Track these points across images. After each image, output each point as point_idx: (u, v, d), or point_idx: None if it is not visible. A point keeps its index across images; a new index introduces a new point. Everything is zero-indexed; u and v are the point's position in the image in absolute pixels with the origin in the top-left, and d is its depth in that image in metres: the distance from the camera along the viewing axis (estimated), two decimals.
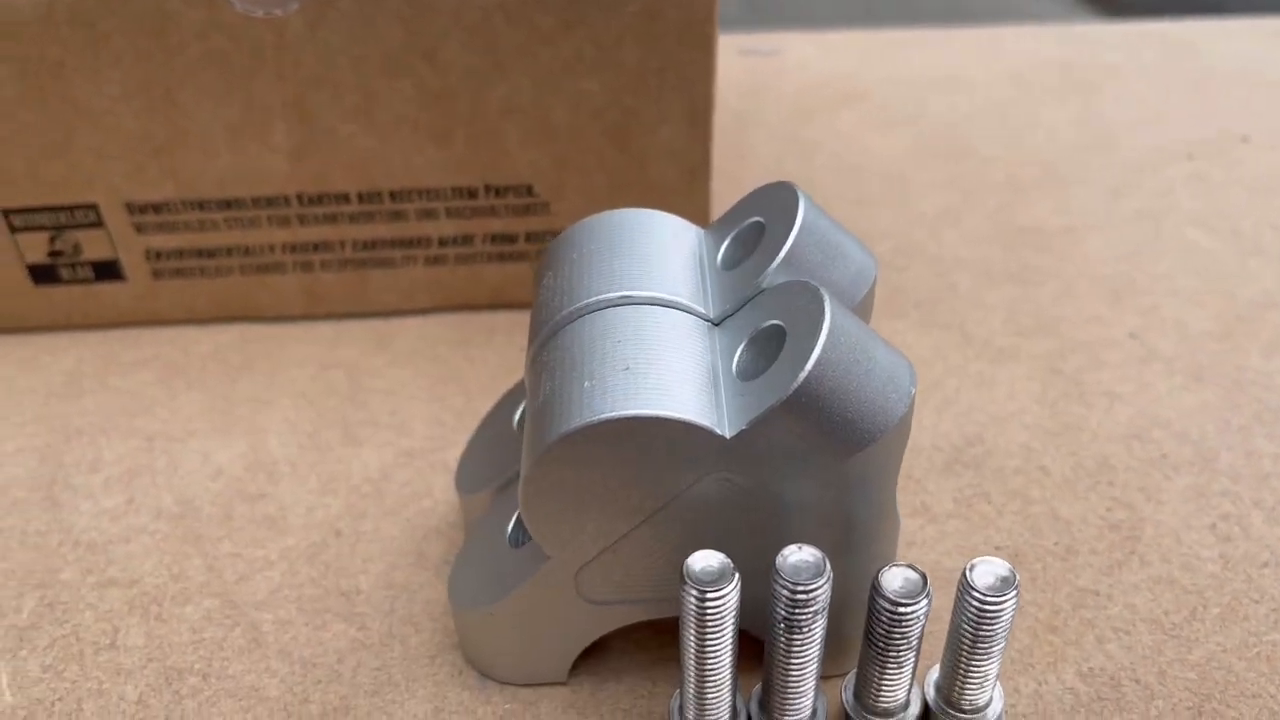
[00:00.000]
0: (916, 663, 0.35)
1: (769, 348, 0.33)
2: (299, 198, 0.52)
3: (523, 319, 0.56)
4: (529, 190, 0.52)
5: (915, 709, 0.36)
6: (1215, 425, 0.49)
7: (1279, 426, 0.49)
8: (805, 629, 0.32)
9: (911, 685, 0.36)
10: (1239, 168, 0.68)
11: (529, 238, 0.54)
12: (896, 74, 0.80)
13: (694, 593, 0.31)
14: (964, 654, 0.34)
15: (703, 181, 0.52)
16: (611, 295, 0.35)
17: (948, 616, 0.40)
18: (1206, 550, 0.43)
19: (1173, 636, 0.40)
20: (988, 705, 0.36)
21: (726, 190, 0.56)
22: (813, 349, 0.31)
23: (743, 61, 0.81)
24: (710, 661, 0.33)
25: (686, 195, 0.52)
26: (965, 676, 0.35)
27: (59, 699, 0.39)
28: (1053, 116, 0.74)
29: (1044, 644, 0.40)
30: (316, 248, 0.53)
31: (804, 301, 0.33)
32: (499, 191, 0.52)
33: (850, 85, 0.78)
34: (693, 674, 0.34)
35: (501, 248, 0.54)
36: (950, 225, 0.63)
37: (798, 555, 0.32)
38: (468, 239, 0.54)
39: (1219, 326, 0.55)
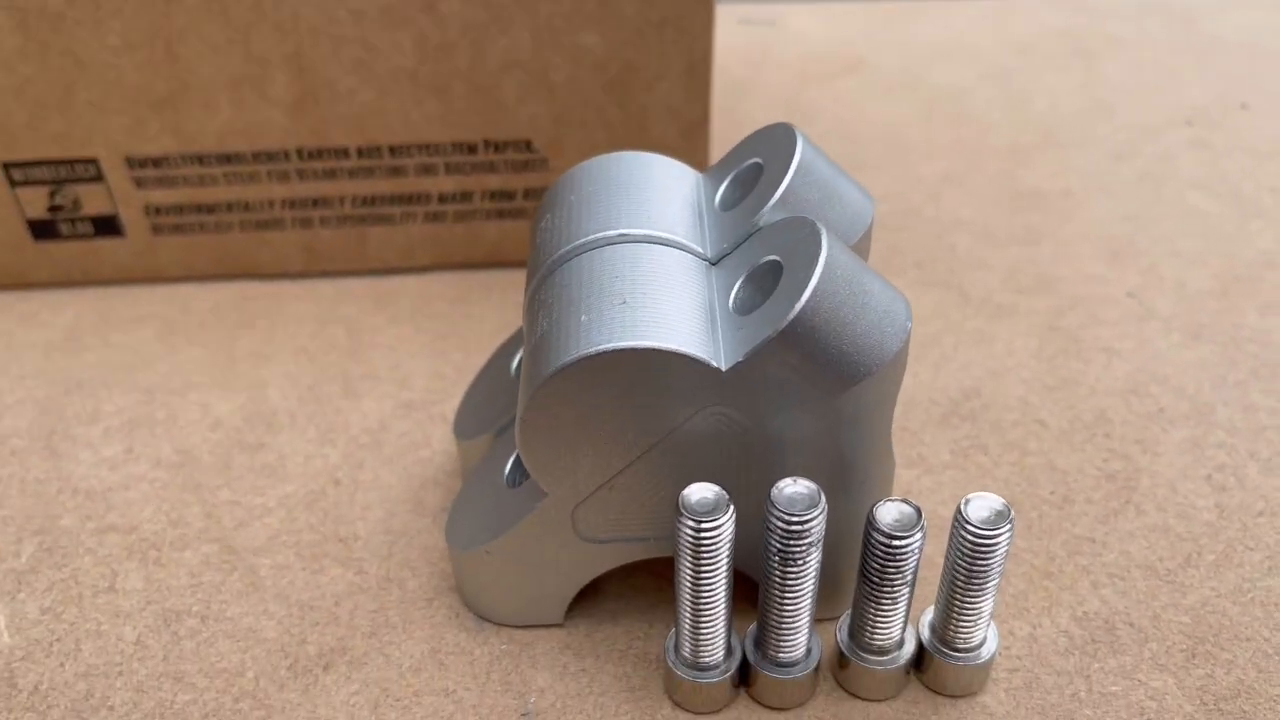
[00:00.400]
0: (911, 599, 0.35)
1: (766, 283, 0.33)
2: (298, 152, 0.52)
3: (521, 277, 0.56)
4: (528, 146, 0.52)
5: (910, 647, 0.36)
6: (1212, 380, 0.49)
7: (1276, 381, 0.49)
8: (800, 562, 0.33)
9: (906, 624, 0.36)
10: (1239, 134, 0.68)
11: (527, 194, 0.54)
12: (897, 44, 0.80)
13: (689, 523, 0.32)
14: (959, 590, 0.34)
15: (701, 138, 0.52)
16: (609, 234, 0.35)
17: (941, 561, 0.41)
18: (1202, 500, 0.43)
19: (1167, 582, 0.40)
20: (982, 644, 0.36)
21: (718, 156, 0.56)
22: (809, 281, 0.31)
23: (742, 31, 0.81)
24: (705, 595, 0.33)
25: (685, 152, 0.52)
26: (960, 614, 0.35)
27: (57, 639, 0.39)
28: (1054, 84, 0.74)
29: (1039, 589, 0.40)
30: (316, 203, 0.54)
31: (801, 236, 0.33)
32: (498, 147, 0.52)
33: (851, 54, 0.78)
34: (688, 609, 0.34)
35: (500, 204, 0.54)
36: (950, 188, 0.63)
37: (792, 487, 0.32)
38: (466, 195, 0.54)
39: (1218, 285, 0.55)
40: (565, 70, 0.50)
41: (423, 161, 0.52)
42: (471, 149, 0.52)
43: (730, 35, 0.79)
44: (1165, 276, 0.56)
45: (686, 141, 0.52)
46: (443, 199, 0.54)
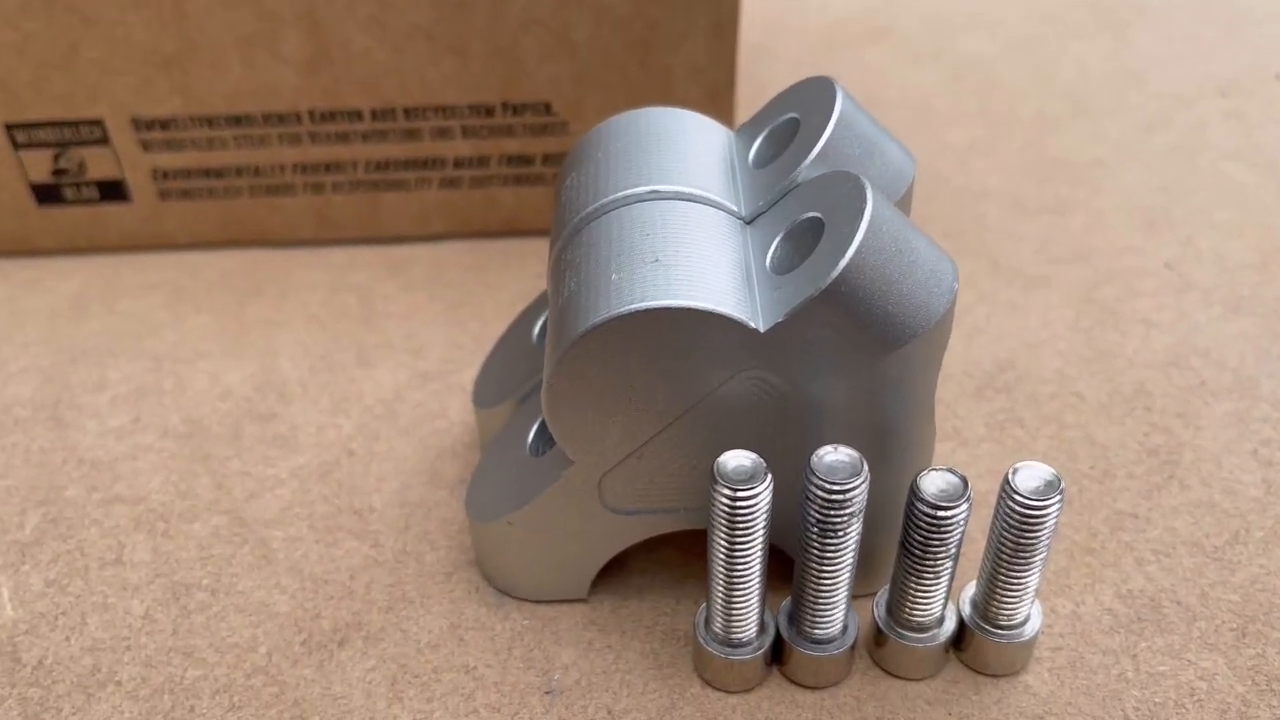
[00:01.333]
0: (954, 574, 0.33)
1: (805, 241, 0.31)
2: (310, 114, 0.50)
3: (538, 245, 0.55)
4: (547, 108, 0.51)
5: (950, 625, 0.35)
6: (1255, 353, 0.47)
7: None
8: (840, 533, 0.31)
9: (947, 600, 0.34)
10: (1274, 105, 0.66)
11: (545, 159, 0.52)
12: (923, 11, 0.78)
13: (725, 492, 0.30)
14: (1004, 564, 0.33)
15: (727, 101, 0.51)
16: (639, 190, 0.34)
17: (979, 539, 0.39)
18: (1248, 475, 0.42)
19: (1214, 559, 0.39)
20: (1025, 622, 0.35)
21: (741, 122, 0.54)
22: (853, 237, 0.29)
23: None
24: (739, 568, 0.32)
25: (710, 115, 0.50)
26: (1004, 589, 0.33)
27: (63, 613, 0.38)
28: (1083, 52, 0.72)
29: (1081, 566, 0.39)
30: (328, 168, 0.52)
31: (844, 191, 0.31)
32: (516, 110, 0.50)
33: (875, 21, 0.76)
34: (721, 582, 0.32)
35: (518, 170, 0.52)
36: (978, 157, 0.61)
37: (833, 455, 0.31)
38: (483, 160, 0.52)
39: (1257, 258, 0.53)
40: (587, 28, 0.48)
41: (438, 125, 0.51)
42: (489, 111, 0.50)
43: (752, 1, 0.77)
44: (1203, 248, 0.54)
45: (711, 104, 0.50)
46: (458, 164, 0.52)
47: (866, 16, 0.77)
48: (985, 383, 0.46)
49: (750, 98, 0.62)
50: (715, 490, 0.30)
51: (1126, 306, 0.50)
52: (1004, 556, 0.33)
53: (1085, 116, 0.65)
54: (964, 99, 0.67)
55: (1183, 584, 0.38)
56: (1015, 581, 0.33)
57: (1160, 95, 0.67)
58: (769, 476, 0.30)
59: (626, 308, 0.30)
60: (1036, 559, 0.33)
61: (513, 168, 0.52)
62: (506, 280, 0.53)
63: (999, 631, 0.34)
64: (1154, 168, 0.60)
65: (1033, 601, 0.34)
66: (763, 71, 0.70)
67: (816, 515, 0.31)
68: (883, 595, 0.35)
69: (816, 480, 0.30)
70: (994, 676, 0.35)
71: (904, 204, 0.35)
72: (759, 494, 0.30)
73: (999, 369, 0.47)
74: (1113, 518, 0.40)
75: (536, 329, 0.41)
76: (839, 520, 0.31)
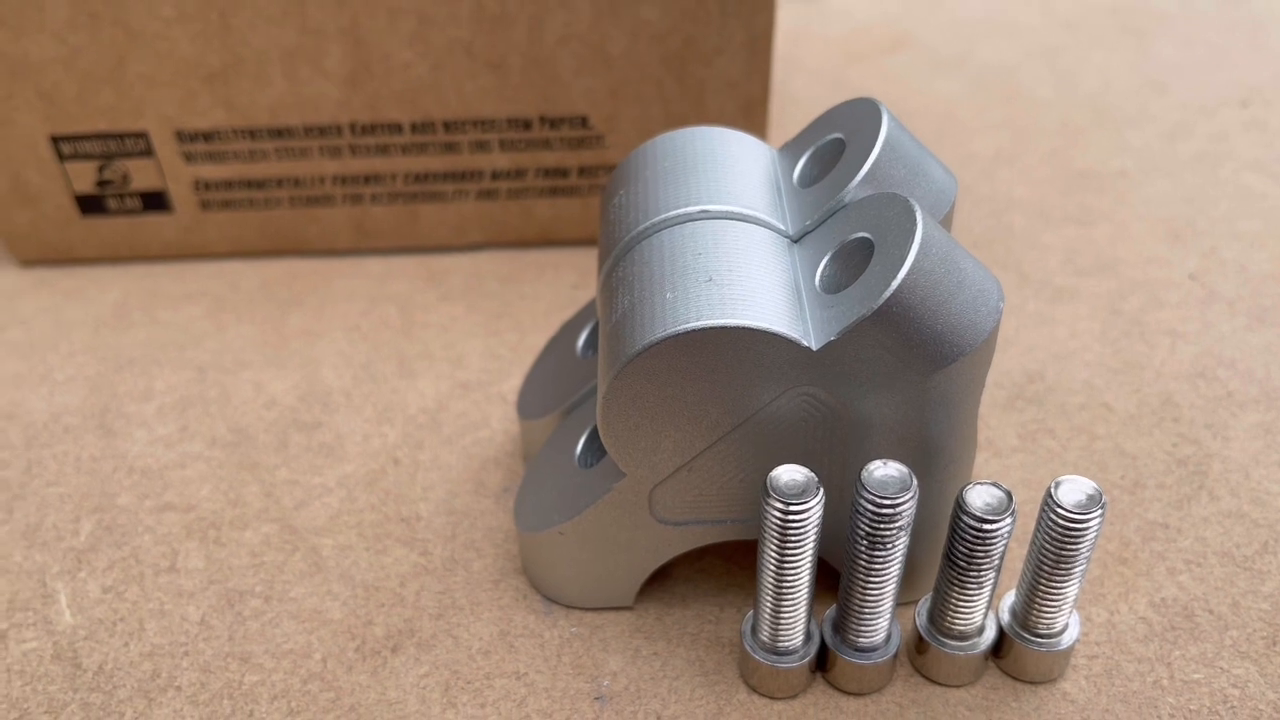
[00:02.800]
0: (996, 584, 0.34)
1: (855, 260, 0.32)
2: (351, 127, 0.51)
3: (574, 256, 0.56)
4: (583, 122, 0.51)
5: (990, 634, 0.36)
6: None
7: None
8: (888, 545, 0.32)
9: (988, 609, 0.35)
10: None
11: (581, 172, 0.53)
12: (944, 20, 0.78)
13: (778, 505, 0.31)
14: (1044, 575, 0.34)
15: (760, 115, 0.52)
16: (690, 209, 0.34)
17: (1016, 548, 0.40)
18: (1277, 485, 0.43)
19: (1245, 569, 0.40)
20: (1063, 631, 0.36)
21: (771, 134, 0.55)
22: (905, 258, 0.30)
23: (786, 6, 0.80)
24: (789, 580, 0.33)
25: (744, 129, 0.51)
26: (1044, 599, 0.34)
27: (120, 619, 0.39)
28: (1104, 61, 0.72)
29: (1114, 575, 0.39)
30: (367, 180, 0.53)
31: (894, 212, 0.32)
32: (553, 123, 0.51)
33: (897, 31, 0.77)
34: (770, 593, 0.33)
35: (554, 182, 0.53)
36: (1003, 167, 0.62)
37: (883, 470, 0.32)
38: (520, 173, 0.53)
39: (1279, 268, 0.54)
40: (623, 43, 0.49)
41: (477, 138, 0.52)
42: (526, 125, 0.51)
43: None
44: (1227, 259, 0.55)
45: (746, 118, 0.51)
46: (496, 176, 0.53)
47: (887, 25, 0.78)
48: (1016, 394, 0.47)
49: (774, 107, 0.63)
50: (768, 504, 0.31)
51: (1152, 317, 0.51)
52: (1045, 568, 0.34)
53: (1108, 126, 0.66)
54: (987, 108, 0.68)
55: (1215, 593, 0.39)
56: (1055, 592, 0.34)
57: (1182, 105, 0.68)
58: (820, 491, 0.31)
59: (682, 326, 0.31)
60: (1077, 570, 0.33)
61: (549, 180, 0.53)
62: (542, 291, 0.53)
63: (1038, 640, 0.35)
64: (1177, 178, 0.61)
65: (1072, 610, 0.35)
66: (785, 82, 0.71)
67: (866, 528, 0.32)
68: (924, 604, 0.36)
69: (867, 494, 0.31)
70: (1032, 684, 0.36)
71: (945, 223, 0.36)
72: (810, 508, 0.31)
73: (1029, 380, 0.48)
74: (1144, 528, 0.41)
75: (581, 341, 0.42)
76: (888, 533, 0.32)
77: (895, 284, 0.30)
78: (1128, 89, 0.69)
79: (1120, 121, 0.66)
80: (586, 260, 0.55)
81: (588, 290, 0.53)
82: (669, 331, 0.31)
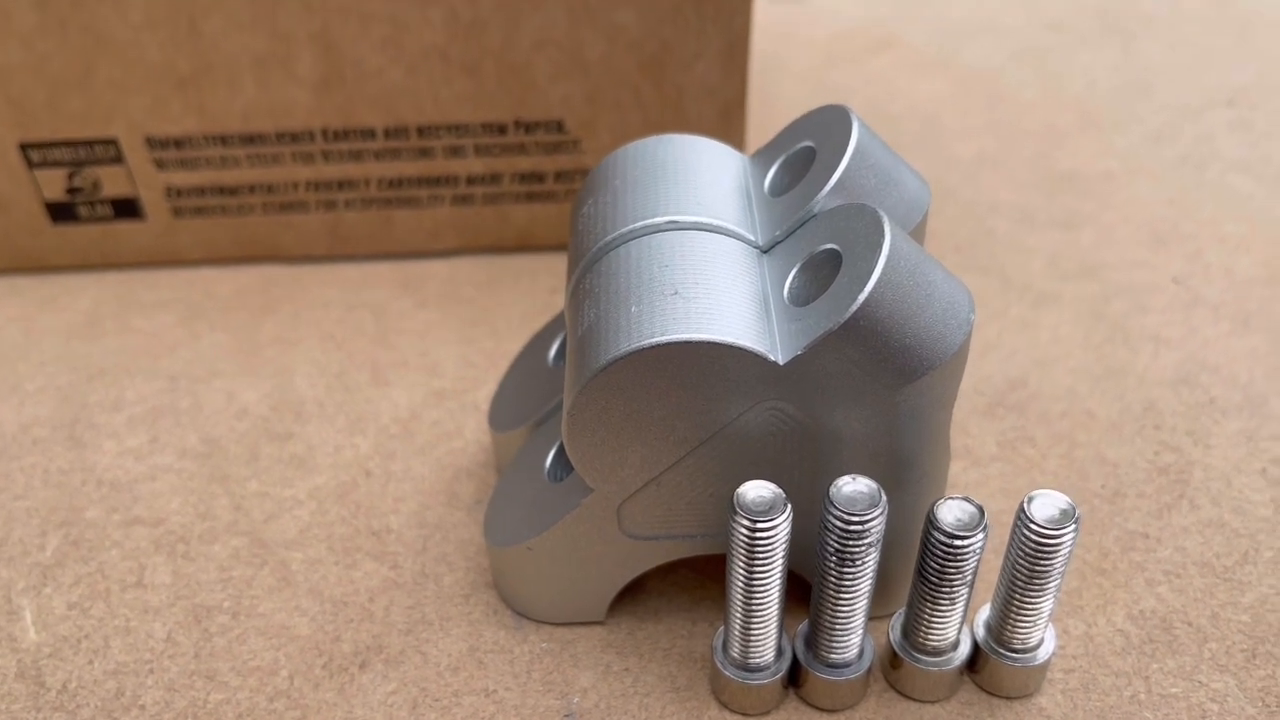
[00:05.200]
0: (969, 600, 0.34)
1: (823, 272, 0.32)
2: (324, 133, 0.50)
3: (551, 261, 0.55)
4: (559, 127, 0.51)
5: (965, 648, 0.35)
6: (1264, 371, 0.48)
7: None
8: (858, 562, 0.31)
9: (963, 624, 0.35)
10: None
11: (558, 177, 0.53)
12: (927, 21, 0.78)
13: (744, 523, 0.30)
14: (1018, 590, 0.33)
15: (738, 119, 0.51)
16: (657, 220, 0.34)
17: (993, 559, 0.39)
18: (1257, 494, 0.42)
19: (1225, 580, 0.39)
20: (1039, 646, 0.35)
21: (754, 137, 0.55)
22: (872, 271, 0.30)
23: (770, 8, 0.80)
24: (758, 596, 0.32)
25: (722, 134, 0.51)
26: (1018, 614, 0.34)
27: (85, 636, 0.38)
28: (1090, 63, 0.72)
29: (1093, 586, 0.39)
30: (341, 186, 0.52)
31: (861, 224, 0.31)
32: (529, 128, 0.51)
33: (881, 32, 0.76)
34: (739, 610, 0.33)
35: (530, 187, 0.53)
36: (987, 170, 0.62)
37: (852, 485, 0.31)
38: (496, 178, 0.52)
39: (1266, 272, 0.53)
40: (599, 48, 0.48)
41: (451, 143, 0.51)
42: (501, 130, 0.51)
43: (758, 12, 0.78)
44: (1212, 263, 0.54)
45: (723, 123, 0.51)
46: (471, 181, 0.52)
47: (872, 26, 0.77)
48: (997, 400, 0.46)
49: (757, 109, 0.62)
50: (735, 521, 0.31)
51: (1135, 322, 0.50)
52: (1019, 583, 0.33)
53: (1093, 128, 0.65)
54: (971, 111, 0.67)
55: (1193, 605, 0.38)
56: (1030, 607, 0.34)
57: (1168, 106, 0.67)
58: (788, 507, 0.31)
59: (646, 341, 0.30)
60: (1051, 585, 0.33)
61: (525, 185, 0.53)
62: (519, 296, 0.53)
63: (1013, 655, 0.35)
64: (1162, 180, 0.60)
65: (1047, 625, 0.35)
66: (769, 83, 0.70)
67: (835, 545, 0.31)
68: (898, 619, 0.36)
69: (835, 511, 0.31)
70: (1008, 699, 0.36)
71: (918, 232, 0.36)
72: (778, 525, 0.30)
73: (1010, 387, 0.47)
74: (1124, 537, 0.41)
75: (553, 351, 0.41)
76: (857, 550, 0.31)
77: (862, 297, 0.29)
78: (1113, 90, 0.69)
79: (1105, 123, 0.66)
80: (563, 265, 0.55)
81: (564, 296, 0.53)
82: (633, 346, 0.30)
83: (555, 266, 0.55)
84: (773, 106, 0.68)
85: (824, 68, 0.72)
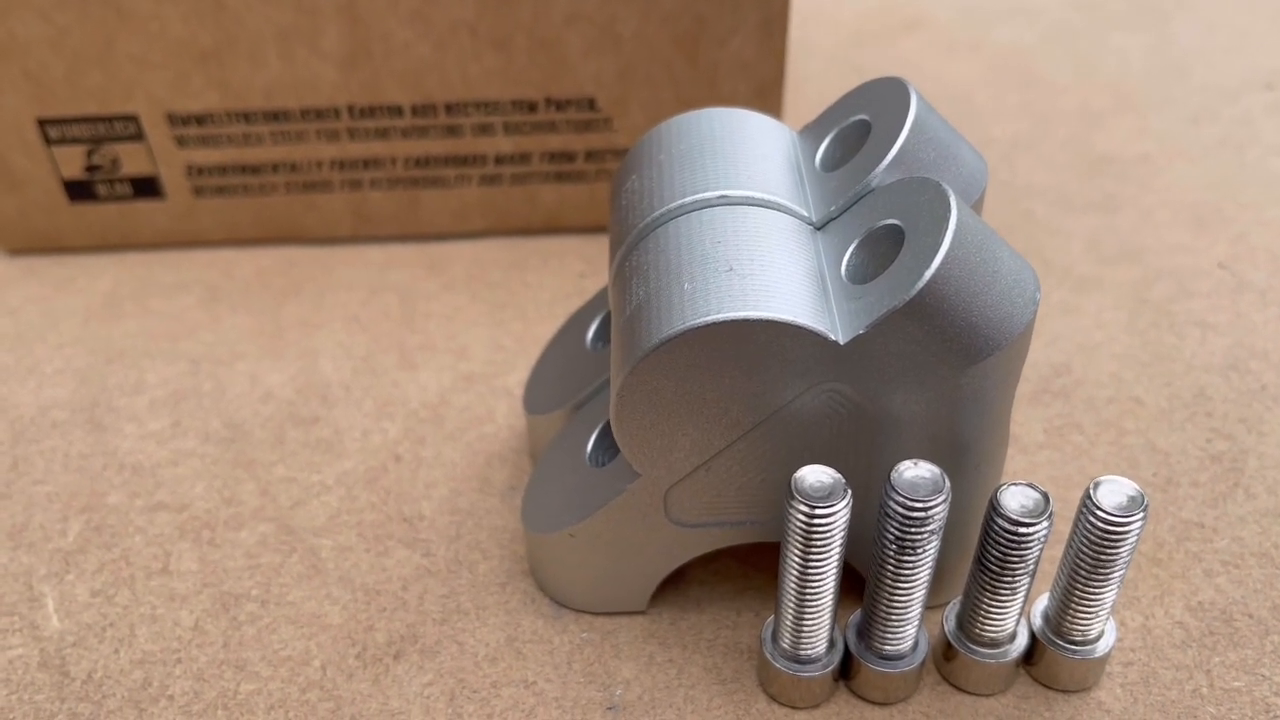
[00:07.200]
0: (1030, 589, 0.32)
1: (884, 248, 0.30)
2: (349, 110, 0.49)
3: (580, 244, 0.54)
4: (591, 104, 0.49)
5: (1022, 640, 0.34)
6: None
7: None
8: (918, 550, 0.30)
9: (1021, 615, 0.34)
10: None
11: (588, 156, 0.51)
12: (958, 2, 0.76)
13: (803, 509, 0.29)
14: (1081, 580, 0.32)
15: (775, 98, 0.50)
16: (708, 195, 0.33)
17: (1049, 550, 0.38)
18: None
19: None
20: (1099, 638, 0.34)
21: (783, 119, 0.53)
22: (939, 246, 0.28)
23: None
24: (813, 585, 0.31)
25: (758, 112, 0.49)
26: (1080, 605, 0.33)
27: (110, 624, 0.37)
28: (1123, 43, 0.70)
29: (1149, 577, 0.38)
30: (366, 165, 0.51)
31: (925, 198, 0.30)
32: (559, 105, 0.49)
33: (910, 12, 0.75)
34: (792, 598, 0.32)
35: (560, 166, 0.51)
36: (1022, 153, 0.60)
37: (914, 470, 0.30)
38: (524, 157, 0.51)
39: None
40: (633, 23, 0.47)
41: (480, 121, 0.50)
42: (532, 107, 0.49)
43: None
44: (1256, 246, 0.53)
45: (759, 100, 0.49)
46: (499, 160, 0.51)
47: (899, 6, 0.76)
48: (1042, 387, 0.45)
49: (785, 90, 0.60)
50: (792, 506, 0.29)
51: (1180, 307, 0.49)
52: (1082, 572, 0.32)
53: (1129, 110, 0.64)
54: (1004, 92, 0.66)
55: (1254, 596, 0.37)
56: (1092, 597, 0.32)
57: (1205, 88, 0.66)
58: (848, 493, 0.29)
59: (702, 319, 0.29)
60: (1115, 576, 0.32)
61: (555, 164, 0.51)
62: (548, 279, 0.52)
63: (1072, 647, 0.34)
64: (1201, 163, 0.59)
65: (1108, 617, 0.34)
66: (795, 64, 0.69)
67: (895, 532, 0.30)
68: (953, 609, 0.35)
69: (897, 497, 0.29)
70: (1066, 693, 0.34)
71: (976, 209, 0.34)
72: (838, 511, 0.29)
73: (1055, 373, 0.46)
74: (1179, 527, 0.39)
75: (590, 333, 0.40)
76: (918, 538, 0.30)
77: (929, 274, 0.28)
78: (1148, 71, 0.68)
79: (1142, 105, 0.64)
80: (593, 248, 0.53)
81: (595, 279, 0.51)
82: (688, 324, 0.29)
83: (584, 249, 0.53)
84: (800, 89, 0.66)
85: (851, 47, 0.71)
